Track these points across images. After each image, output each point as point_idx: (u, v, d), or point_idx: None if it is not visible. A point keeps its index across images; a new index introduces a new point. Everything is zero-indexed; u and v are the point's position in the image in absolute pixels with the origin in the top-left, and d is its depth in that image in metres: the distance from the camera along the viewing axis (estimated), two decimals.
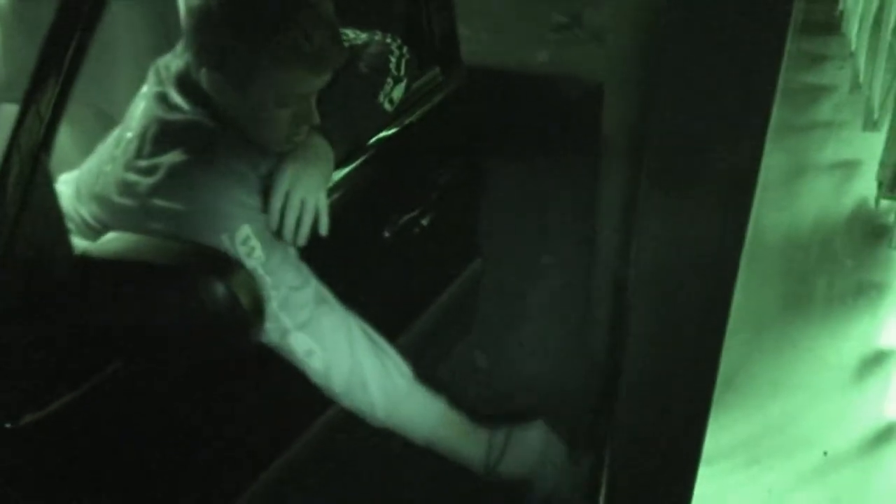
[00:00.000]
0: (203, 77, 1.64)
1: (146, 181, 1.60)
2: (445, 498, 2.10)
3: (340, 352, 1.71)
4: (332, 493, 2.04)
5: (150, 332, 1.46)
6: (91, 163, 1.77)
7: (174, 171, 1.60)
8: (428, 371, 2.24)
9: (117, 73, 2.19)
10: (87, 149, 1.87)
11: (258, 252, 1.60)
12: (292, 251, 1.69)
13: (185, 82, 1.68)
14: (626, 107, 2.86)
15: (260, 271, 1.59)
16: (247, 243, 1.59)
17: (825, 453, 1.55)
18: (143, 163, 1.63)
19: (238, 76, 1.62)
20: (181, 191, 1.59)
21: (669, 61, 1.07)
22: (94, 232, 1.67)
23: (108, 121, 2.01)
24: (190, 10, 1.65)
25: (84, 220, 1.70)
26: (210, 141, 1.65)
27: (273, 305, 1.62)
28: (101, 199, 1.67)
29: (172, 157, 1.61)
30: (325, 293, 1.73)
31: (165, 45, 1.93)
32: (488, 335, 2.70)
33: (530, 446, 1.90)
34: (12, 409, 1.36)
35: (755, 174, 1.04)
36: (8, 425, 1.35)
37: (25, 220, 1.32)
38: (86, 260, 1.43)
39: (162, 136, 1.65)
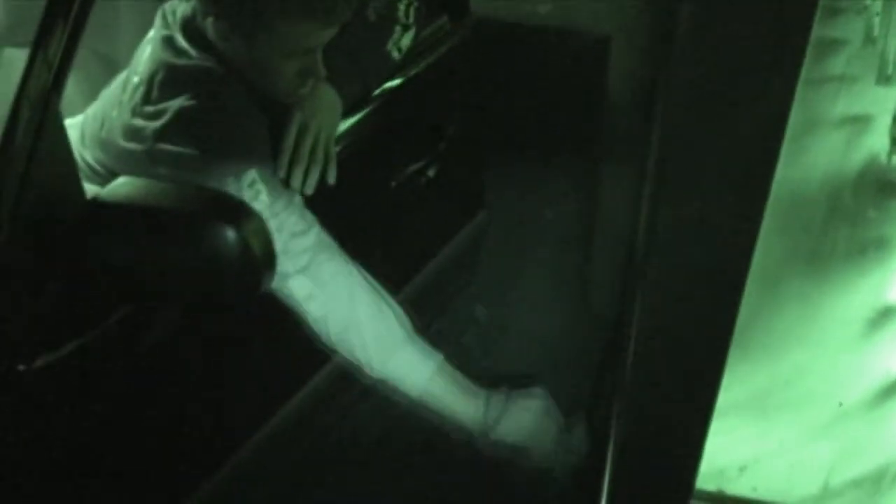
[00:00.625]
0: (209, 25, 1.62)
1: (153, 125, 1.59)
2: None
3: (339, 297, 1.70)
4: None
5: (162, 277, 1.45)
6: (96, 108, 1.76)
7: (182, 115, 1.58)
8: (430, 322, 2.25)
9: (121, 18, 2.16)
10: (90, 94, 1.86)
11: (263, 196, 1.59)
12: (298, 198, 1.68)
13: (191, 28, 1.66)
14: (633, 58, 2.84)
15: (264, 214, 1.58)
16: (253, 186, 1.59)
17: (840, 404, 1.54)
18: (150, 108, 1.61)
19: (244, 26, 1.60)
20: (188, 134, 1.57)
21: (689, 29, 1.05)
22: (99, 177, 1.66)
23: (112, 66, 1.99)
24: None
25: (89, 165, 1.69)
26: (218, 85, 1.63)
27: (276, 250, 1.61)
28: (106, 144, 1.65)
29: (180, 102, 1.59)
30: (328, 240, 1.72)
31: None
32: (489, 288, 2.69)
33: (530, 411, 1.82)
34: (25, 353, 1.36)
35: (781, 132, 1.02)
36: (21, 368, 1.35)
37: (37, 164, 1.30)
38: (97, 204, 1.42)
39: (169, 80, 1.63)
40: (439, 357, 1.80)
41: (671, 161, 1.09)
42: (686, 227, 1.12)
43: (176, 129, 1.59)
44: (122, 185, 1.48)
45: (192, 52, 1.65)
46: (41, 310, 1.39)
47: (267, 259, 1.50)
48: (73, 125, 1.74)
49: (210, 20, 1.62)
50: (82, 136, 1.73)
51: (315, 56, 1.67)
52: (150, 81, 1.65)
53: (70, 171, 1.43)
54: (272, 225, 1.61)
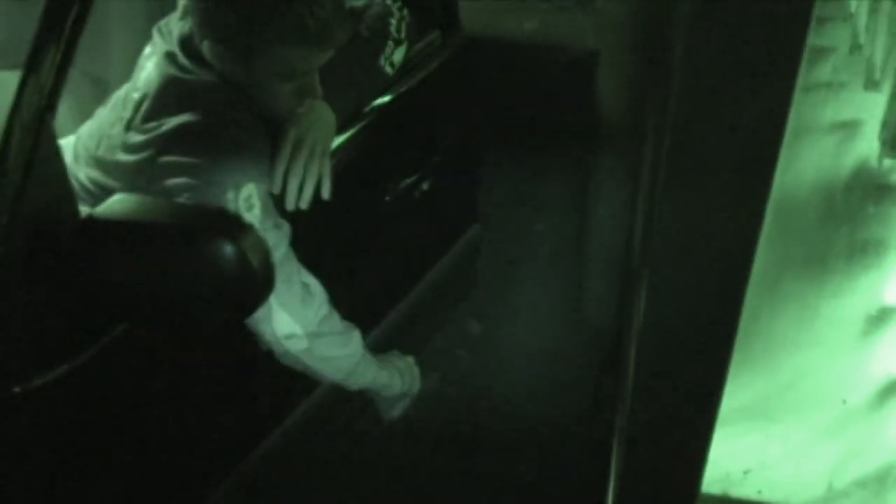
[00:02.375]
0: (206, 48, 1.62)
1: (154, 137, 1.59)
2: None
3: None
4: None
5: (158, 294, 1.44)
6: (90, 127, 1.75)
7: (184, 128, 1.58)
8: (425, 337, 2.25)
9: (110, 38, 2.16)
10: (81, 114, 1.85)
11: (256, 211, 1.59)
12: (285, 225, 1.67)
13: (189, 46, 1.66)
14: (621, 72, 2.85)
15: (255, 226, 1.58)
16: (248, 200, 1.58)
17: (844, 402, 1.54)
18: (152, 123, 1.61)
19: (241, 51, 1.60)
20: (190, 146, 1.57)
21: (690, 37, 1.05)
22: (92, 196, 1.65)
23: (101, 86, 1.98)
24: None
25: (82, 185, 1.69)
26: (221, 100, 1.63)
27: None
28: (103, 162, 1.65)
29: (183, 116, 1.59)
30: (308, 279, 1.70)
31: (158, 10, 1.91)
32: (483, 301, 2.69)
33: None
34: (21, 373, 1.35)
35: (779, 139, 1.02)
36: (17, 389, 1.34)
37: (32, 182, 1.30)
38: (93, 222, 1.41)
39: (173, 94, 1.63)
40: (356, 337, 1.80)
41: (670, 168, 1.10)
42: (687, 232, 1.12)
43: (178, 140, 1.58)
44: (117, 202, 1.47)
45: (194, 67, 1.65)
46: (37, 329, 1.39)
47: (266, 273, 1.49)
48: (66, 145, 1.73)
49: (206, 43, 1.62)
50: (76, 156, 1.72)
51: (312, 77, 1.68)
52: (154, 96, 1.65)
53: (65, 190, 1.42)
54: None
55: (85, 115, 1.82)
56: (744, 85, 1.02)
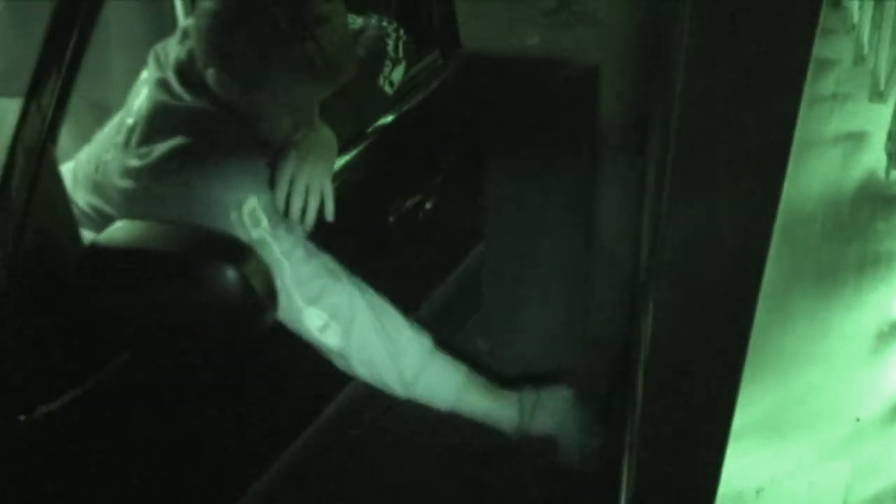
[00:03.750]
0: (210, 76, 1.61)
1: (147, 163, 1.58)
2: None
3: (355, 326, 1.68)
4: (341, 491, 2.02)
5: (162, 321, 1.43)
6: (89, 152, 1.75)
7: (176, 152, 1.58)
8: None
9: (109, 63, 2.16)
10: (80, 139, 1.85)
11: (264, 223, 1.58)
12: (297, 227, 1.67)
13: (185, 72, 1.65)
14: (623, 88, 2.84)
15: (268, 239, 1.57)
16: (253, 214, 1.57)
17: (858, 419, 1.53)
18: (144, 148, 1.61)
19: (246, 81, 1.59)
20: (183, 172, 1.56)
21: (696, 46, 1.04)
22: (91, 221, 1.65)
23: (101, 111, 1.98)
24: (204, 11, 1.61)
25: (81, 210, 1.68)
26: (213, 124, 1.62)
27: (285, 281, 1.59)
28: (100, 187, 1.64)
29: (175, 140, 1.59)
30: (336, 266, 1.70)
31: (158, 34, 1.90)
32: (490, 319, 2.67)
33: (563, 401, 1.89)
34: (25, 402, 1.34)
35: (786, 153, 1.01)
36: (21, 418, 1.33)
37: (34, 211, 1.29)
38: (94, 249, 1.40)
39: (164, 120, 1.63)
40: (464, 368, 1.81)
41: (678, 180, 1.08)
42: (696, 245, 1.11)
43: (171, 165, 1.57)
44: (118, 230, 1.46)
45: (186, 95, 1.64)
46: (40, 358, 1.38)
47: (268, 296, 1.48)
48: (65, 170, 1.73)
49: (211, 71, 1.61)
50: (74, 181, 1.72)
51: (313, 110, 1.68)
52: (145, 122, 1.64)
53: (67, 218, 1.42)
54: (277, 249, 1.60)
55: (84, 139, 1.82)
56: (751, 96, 1.01)
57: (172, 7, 2.26)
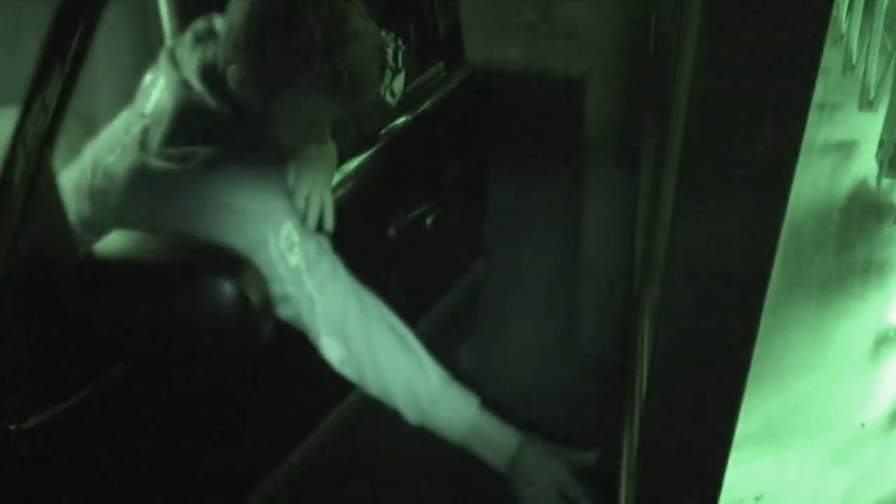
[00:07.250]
0: (230, 73, 1.60)
1: (187, 168, 1.57)
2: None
3: (373, 363, 1.69)
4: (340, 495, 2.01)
5: (157, 332, 1.43)
6: (83, 161, 1.74)
7: (212, 164, 1.57)
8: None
9: (95, 74, 2.16)
10: (68, 150, 1.84)
11: (297, 248, 1.58)
12: (325, 241, 1.67)
13: (208, 74, 1.64)
14: (609, 99, 2.85)
15: (301, 265, 1.57)
16: (289, 239, 1.57)
17: (863, 425, 1.53)
18: (173, 150, 1.59)
19: (267, 88, 1.59)
20: (222, 188, 1.55)
21: (703, 57, 1.04)
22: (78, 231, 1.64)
23: (89, 121, 1.98)
24: (240, 8, 1.59)
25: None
26: (246, 136, 1.62)
27: (315, 310, 1.59)
28: (98, 193, 1.63)
29: (213, 149, 1.58)
30: (359, 290, 1.70)
31: (144, 46, 1.90)
32: (484, 336, 2.68)
33: (557, 473, 1.82)
34: (17, 412, 1.33)
35: (793, 163, 1.01)
36: (12, 427, 1.32)
37: (30, 220, 1.29)
38: (90, 259, 1.40)
39: (193, 122, 1.61)
40: (476, 403, 1.80)
41: (683, 192, 1.09)
42: (699, 255, 1.11)
43: (209, 179, 1.57)
44: (114, 240, 1.45)
45: (210, 98, 1.63)
46: (34, 368, 1.37)
47: (264, 310, 1.48)
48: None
49: (233, 69, 1.60)
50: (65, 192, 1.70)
51: (325, 128, 1.68)
52: (170, 122, 1.62)
53: (64, 228, 1.41)
54: (310, 286, 1.60)
55: (71, 151, 1.81)
56: (758, 103, 1.01)
57: (157, 14, 2.25)
